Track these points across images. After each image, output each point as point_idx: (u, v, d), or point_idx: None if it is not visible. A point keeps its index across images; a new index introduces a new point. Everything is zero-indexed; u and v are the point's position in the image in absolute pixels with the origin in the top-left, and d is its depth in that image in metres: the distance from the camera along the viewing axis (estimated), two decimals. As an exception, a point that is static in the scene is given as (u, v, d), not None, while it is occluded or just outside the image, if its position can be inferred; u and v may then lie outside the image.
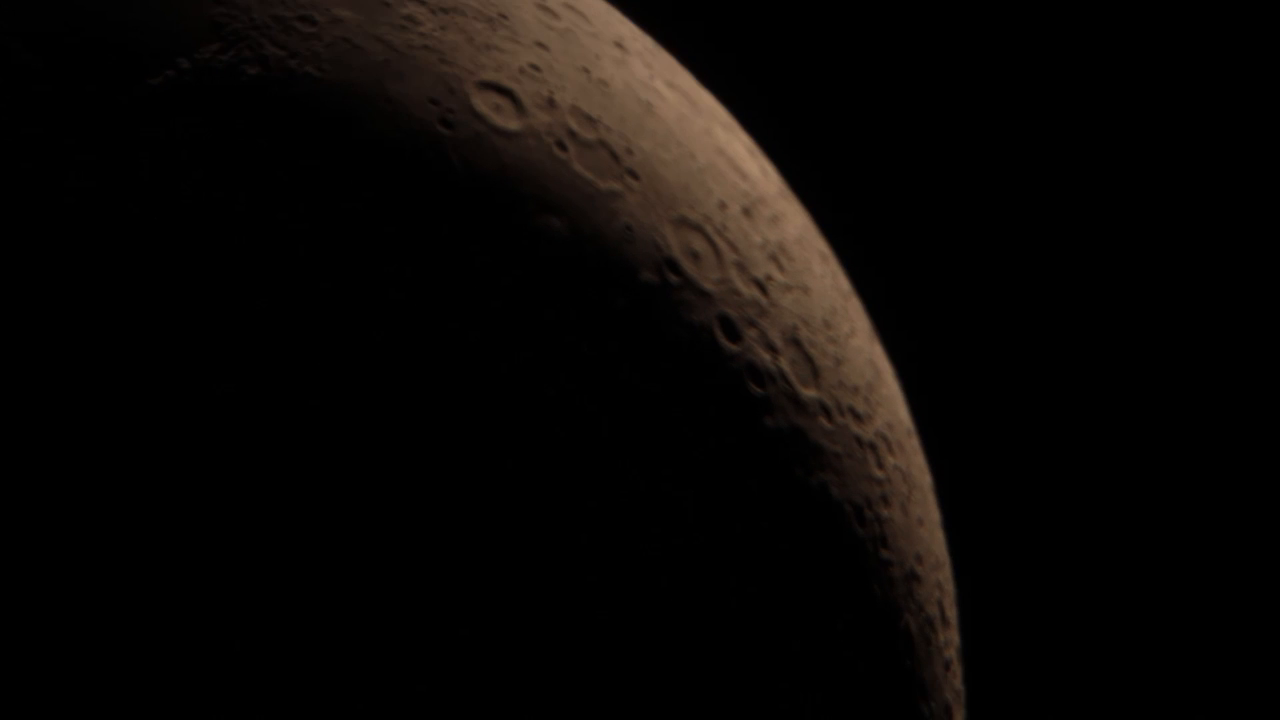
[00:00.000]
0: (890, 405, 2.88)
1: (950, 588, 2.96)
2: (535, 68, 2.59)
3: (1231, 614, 5.05)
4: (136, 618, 2.13)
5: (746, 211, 2.74)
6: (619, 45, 2.74)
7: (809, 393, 2.64)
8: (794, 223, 2.87)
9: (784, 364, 2.62)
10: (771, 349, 2.62)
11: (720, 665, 2.43)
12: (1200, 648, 5.07)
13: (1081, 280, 5.12)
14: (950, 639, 2.88)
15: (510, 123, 2.53)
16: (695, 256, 2.61)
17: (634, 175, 2.59)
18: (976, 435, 5.04)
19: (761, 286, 2.67)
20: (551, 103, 2.57)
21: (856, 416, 2.73)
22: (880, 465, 2.74)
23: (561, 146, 2.54)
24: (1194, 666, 5.07)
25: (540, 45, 2.62)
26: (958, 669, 2.90)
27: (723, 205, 2.71)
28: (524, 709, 2.30)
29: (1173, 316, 5.06)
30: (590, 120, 2.60)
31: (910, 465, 2.87)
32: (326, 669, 2.18)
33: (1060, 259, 5.11)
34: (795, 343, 2.67)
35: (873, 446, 2.74)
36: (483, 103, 2.53)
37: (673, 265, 2.58)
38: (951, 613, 2.92)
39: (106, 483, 2.14)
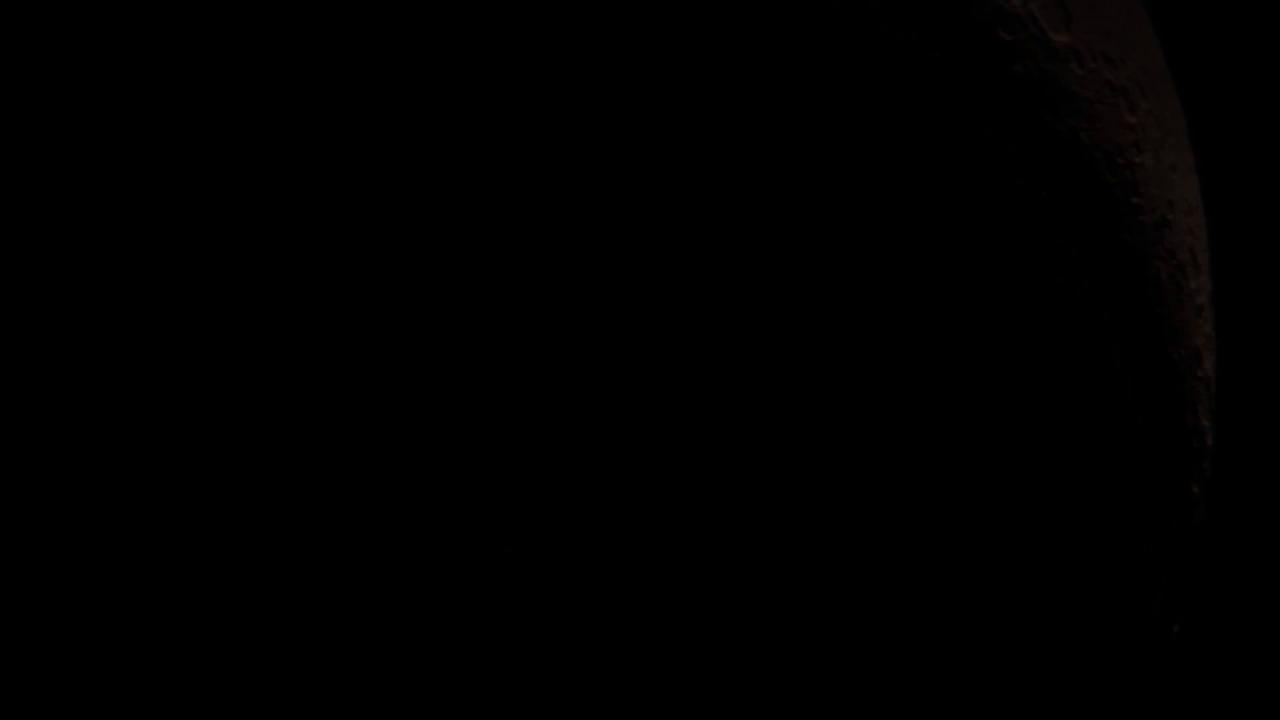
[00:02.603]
0: (1144, 49, 2.78)
1: (1202, 233, 2.85)
2: None
3: None
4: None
5: None
6: None
7: (1060, 38, 2.55)
8: None
9: (1034, 8, 2.52)
10: (1022, -7, 2.52)
11: (977, 312, 2.41)
12: None
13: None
14: (1201, 285, 2.79)
15: None
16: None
17: None
18: (1236, 78, 4.87)
19: (1012, -70, 2.56)
20: None
21: (1109, 61, 2.64)
22: (1132, 111, 2.65)
23: None
24: None
25: None
26: (1209, 315, 2.81)
27: None
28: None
29: None
30: None
31: (1164, 110, 2.78)
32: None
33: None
34: (1046, -14, 2.58)
35: (1125, 92, 2.65)
36: None
37: (917, -95, 2.42)
38: (1203, 258, 2.82)
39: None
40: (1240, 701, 4.39)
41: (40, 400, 1.87)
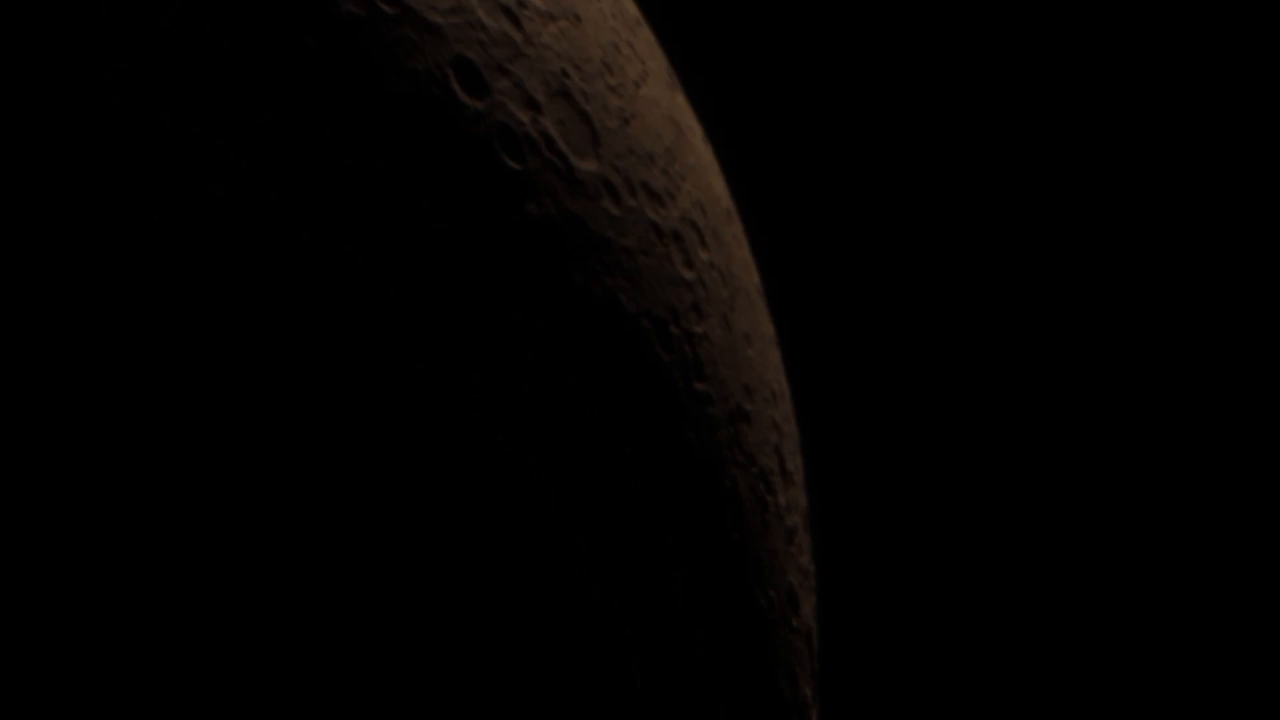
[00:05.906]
0: (700, 178, 2.74)
1: (792, 429, 2.83)
2: None
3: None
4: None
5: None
6: None
7: (586, 165, 2.51)
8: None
9: (549, 126, 2.48)
10: (531, 105, 2.47)
11: (486, 539, 2.29)
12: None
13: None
14: (794, 500, 2.75)
15: None
16: (417, -27, 2.46)
17: None
18: (816, 221, 4.75)
19: (513, 16, 2.51)
20: None
21: (654, 196, 2.59)
22: (689, 263, 2.61)
23: None
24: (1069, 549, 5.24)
25: None
26: (805, 540, 2.77)
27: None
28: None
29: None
30: None
31: (730, 261, 2.74)
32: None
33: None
34: (564, 95, 2.52)
35: (678, 237, 2.61)
36: None
37: (386, -13, 2.44)
38: (795, 463, 2.80)
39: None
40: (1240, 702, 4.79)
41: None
